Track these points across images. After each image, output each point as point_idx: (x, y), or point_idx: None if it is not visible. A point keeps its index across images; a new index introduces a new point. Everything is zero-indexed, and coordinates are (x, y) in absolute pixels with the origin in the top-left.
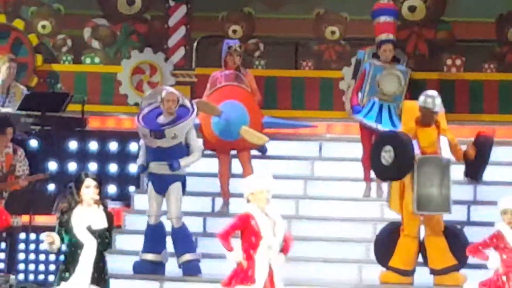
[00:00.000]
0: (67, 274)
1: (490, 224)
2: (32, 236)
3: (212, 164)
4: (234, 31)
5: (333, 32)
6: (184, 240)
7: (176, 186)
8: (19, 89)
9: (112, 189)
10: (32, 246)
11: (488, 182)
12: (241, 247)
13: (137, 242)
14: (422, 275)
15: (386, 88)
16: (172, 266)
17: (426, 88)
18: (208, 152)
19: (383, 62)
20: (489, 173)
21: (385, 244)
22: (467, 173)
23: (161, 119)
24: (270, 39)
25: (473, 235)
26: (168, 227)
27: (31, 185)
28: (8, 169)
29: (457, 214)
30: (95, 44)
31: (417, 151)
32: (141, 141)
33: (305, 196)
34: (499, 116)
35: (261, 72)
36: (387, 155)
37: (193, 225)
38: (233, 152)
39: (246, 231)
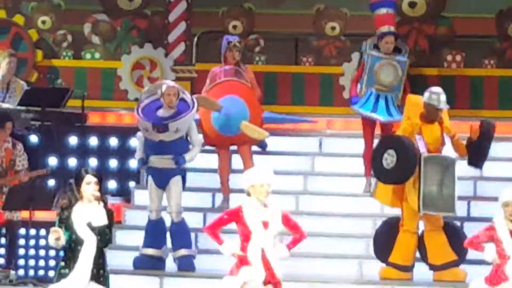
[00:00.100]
0: (66, 270)
1: (490, 219)
2: (32, 231)
3: (212, 160)
4: (234, 27)
5: (333, 28)
6: (182, 235)
7: (177, 180)
8: (19, 85)
9: (112, 184)
10: (32, 242)
11: (488, 177)
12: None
13: (137, 238)
14: (420, 270)
15: (383, 79)
16: (172, 262)
17: (426, 84)
18: (208, 147)
19: (384, 54)
20: (489, 168)
21: (384, 239)
22: (470, 161)
23: (161, 113)
24: (270, 35)
25: (473, 230)
26: (167, 221)
27: (31, 181)
28: (8, 164)
29: (457, 209)
30: (95, 39)
31: (423, 149)
32: (138, 134)
33: (305, 192)
34: (499, 112)
35: (261, 68)
36: (389, 159)
37: (193, 220)
38: (234, 147)
39: (238, 225)
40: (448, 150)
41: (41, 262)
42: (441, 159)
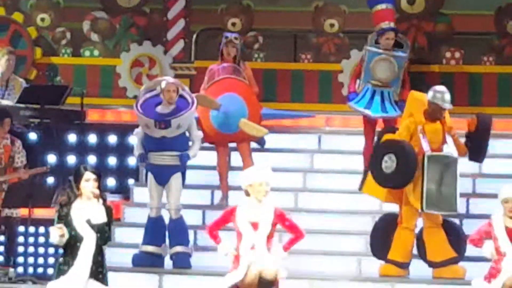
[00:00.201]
0: (65, 268)
1: (489, 216)
2: (31, 229)
3: (211, 157)
4: (233, 24)
5: (332, 25)
6: (179, 232)
7: (177, 177)
8: (18, 82)
9: (111, 182)
10: (31, 239)
11: (487, 174)
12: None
13: (137, 235)
14: (419, 267)
15: (379, 74)
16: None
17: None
18: (207, 145)
19: (383, 49)
20: (488, 165)
21: (382, 236)
22: (470, 156)
23: (161, 109)
24: (269, 32)
25: (472, 227)
26: (167, 219)
27: (30, 178)
28: (7, 161)
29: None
30: (94, 37)
31: (427, 147)
32: (136, 130)
33: (304, 189)
34: (498, 108)
35: (260, 65)
36: (389, 163)
37: (192, 218)
38: (233, 145)
39: (234, 224)
40: (450, 149)
41: (40, 260)
42: (444, 158)
